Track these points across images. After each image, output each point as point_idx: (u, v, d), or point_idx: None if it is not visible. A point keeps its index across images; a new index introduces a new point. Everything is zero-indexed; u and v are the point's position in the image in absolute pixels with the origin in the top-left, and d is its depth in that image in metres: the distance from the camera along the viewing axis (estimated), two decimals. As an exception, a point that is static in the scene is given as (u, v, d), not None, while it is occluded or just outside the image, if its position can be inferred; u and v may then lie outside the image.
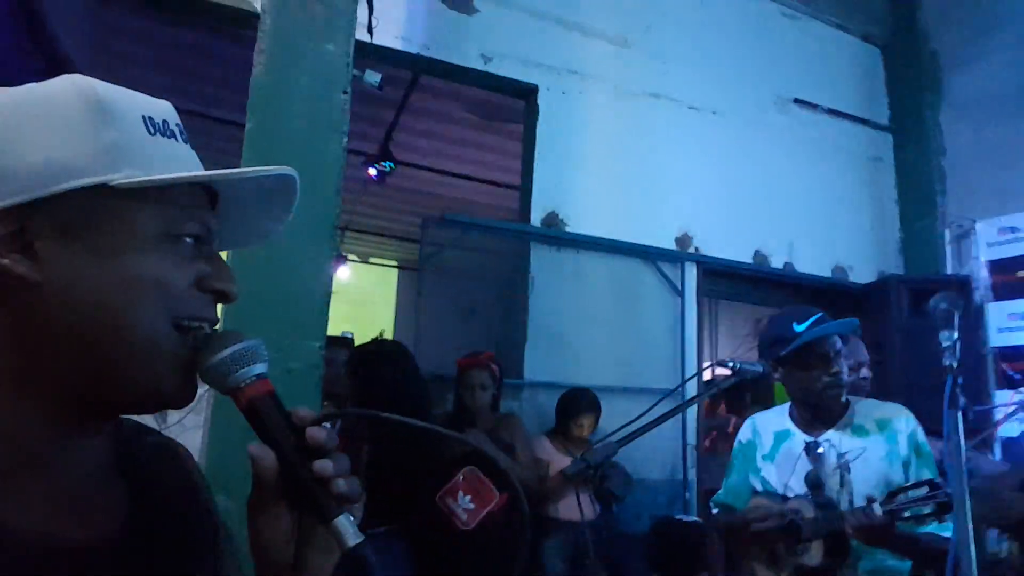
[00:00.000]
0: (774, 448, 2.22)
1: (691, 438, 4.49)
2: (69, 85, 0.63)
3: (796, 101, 5.37)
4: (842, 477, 2.04)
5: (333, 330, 3.49)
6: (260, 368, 0.67)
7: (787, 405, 2.27)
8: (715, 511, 2.43)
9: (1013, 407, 4.53)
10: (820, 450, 2.09)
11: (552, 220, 4.34)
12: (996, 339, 5.05)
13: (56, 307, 0.59)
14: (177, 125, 0.69)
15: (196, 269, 0.66)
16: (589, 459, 1.42)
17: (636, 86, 4.73)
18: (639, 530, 3.85)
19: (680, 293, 4.65)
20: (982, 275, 5.18)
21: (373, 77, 3.59)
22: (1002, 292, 5.11)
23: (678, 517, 3.87)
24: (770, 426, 2.27)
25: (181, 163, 0.67)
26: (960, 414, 1.30)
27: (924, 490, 1.78)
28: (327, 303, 2.43)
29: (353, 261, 10.30)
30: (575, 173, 4.45)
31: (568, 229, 4.37)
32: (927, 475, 1.95)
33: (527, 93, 4.50)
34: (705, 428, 4.95)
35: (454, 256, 4.71)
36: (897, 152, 5.76)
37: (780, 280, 5.15)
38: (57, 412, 0.62)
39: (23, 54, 3.05)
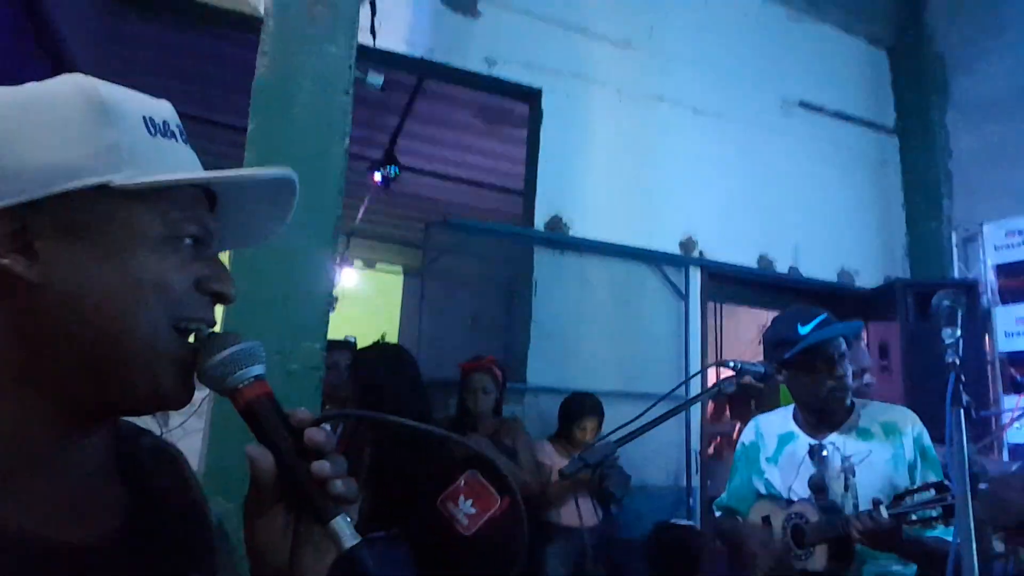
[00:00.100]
0: (778, 450, 2.20)
1: (695, 444, 4.47)
2: (71, 85, 0.63)
3: (801, 104, 5.36)
4: (847, 480, 2.02)
5: (338, 334, 3.49)
6: (258, 369, 0.67)
7: (791, 407, 2.25)
8: (718, 514, 2.42)
9: (1020, 411, 4.50)
10: (824, 453, 2.08)
11: (556, 224, 4.34)
12: (1004, 344, 5.02)
13: (55, 307, 0.59)
14: (178, 126, 0.69)
15: (195, 270, 0.66)
16: (587, 458, 1.41)
17: (640, 89, 4.72)
18: (642, 536, 3.83)
19: (684, 297, 4.64)
20: (989, 279, 5.15)
21: (376, 79, 3.60)
22: (1009, 296, 5.08)
23: (674, 521, 3.86)
24: (774, 428, 2.25)
25: (181, 164, 0.67)
26: (963, 411, 1.28)
27: (930, 493, 1.76)
28: (328, 305, 2.43)
29: (359, 267, 10.33)
30: (579, 176, 4.44)
31: (572, 233, 4.36)
32: (933, 479, 1.93)
33: (531, 96, 4.51)
34: (710, 434, 4.93)
35: (457, 260, 4.71)
36: (903, 155, 5.74)
37: (785, 284, 5.13)
38: (57, 412, 0.62)
39: (30, 57, 3.06)
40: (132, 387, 0.63)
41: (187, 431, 2.53)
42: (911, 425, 2.07)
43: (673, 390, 1.82)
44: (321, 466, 0.64)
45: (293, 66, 2.45)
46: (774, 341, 2.12)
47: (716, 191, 4.87)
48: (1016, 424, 4.55)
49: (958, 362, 1.34)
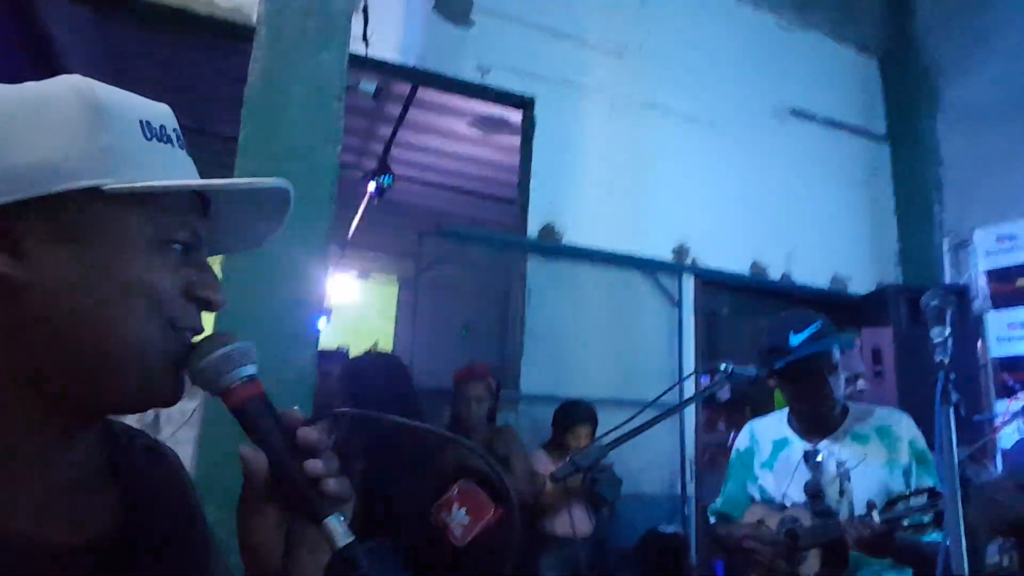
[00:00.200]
0: (772, 456, 2.19)
1: (690, 452, 4.46)
2: (68, 86, 0.63)
3: (793, 112, 5.39)
4: (842, 485, 2.01)
5: (332, 344, 3.49)
6: (251, 369, 0.67)
7: (785, 411, 2.24)
8: (712, 520, 2.41)
9: (1010, 416, 4.51)
10: (819, 458, 2.07)
11: (549, 232, 4.34)
12: (996, 349, 5.04)
13: (44, 309, 0.59)
14: (175, 130, 0.68)
15: (184, 276, 0.66)
16: (578, 461, 1.40)
17: (633, 97, 4.74)
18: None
19: (677, 305, 4.64)
20: (981, 284, 5.17)
21: (368, 86, 3.61)
22: (1001, 301, 5.10)
23: (660, 529, 3.85)
24: (768, 433, 2.24)
25: (176, 169, 0.66)
26: (952, 410, 1.28)
27: (924, 498, 1.76)
28: (320, 312, 2.42)
29: (354, 278, 10.33)
30: (572, 184, 4.45)
31: (565, 241, 4.36)
32: (928, 483, 1.92)
33: (524, 105, 4.52)
34: (704, 443, 4.92)
35: (451, 269, 4.70)
36: (894, 162, 5.77)
37: (778, 291, 5.14)
38: (46, 413, 0.62)
39: (25, 68, 3.07)
40: (120, 387, 0.62)
41: (178, 440, 2.52)
42: (906, 429, 2.06)
43: (664, 393, 1.81)
44: (314, 465, 0.64)
45: (285, 73, 2.45)
46: (766, 348, 2.10)
47: (709, 198, 4.88)
48: (1008, 428, 4.56)
49: (947, 361, 1.34)
